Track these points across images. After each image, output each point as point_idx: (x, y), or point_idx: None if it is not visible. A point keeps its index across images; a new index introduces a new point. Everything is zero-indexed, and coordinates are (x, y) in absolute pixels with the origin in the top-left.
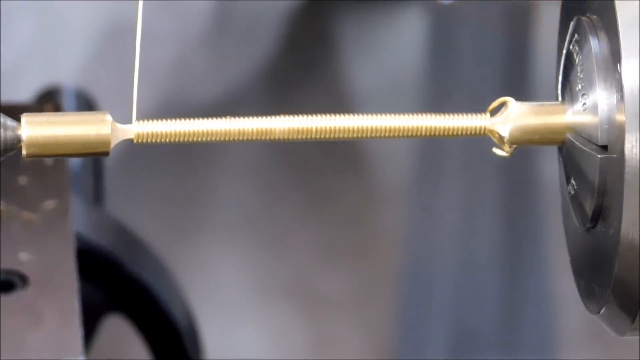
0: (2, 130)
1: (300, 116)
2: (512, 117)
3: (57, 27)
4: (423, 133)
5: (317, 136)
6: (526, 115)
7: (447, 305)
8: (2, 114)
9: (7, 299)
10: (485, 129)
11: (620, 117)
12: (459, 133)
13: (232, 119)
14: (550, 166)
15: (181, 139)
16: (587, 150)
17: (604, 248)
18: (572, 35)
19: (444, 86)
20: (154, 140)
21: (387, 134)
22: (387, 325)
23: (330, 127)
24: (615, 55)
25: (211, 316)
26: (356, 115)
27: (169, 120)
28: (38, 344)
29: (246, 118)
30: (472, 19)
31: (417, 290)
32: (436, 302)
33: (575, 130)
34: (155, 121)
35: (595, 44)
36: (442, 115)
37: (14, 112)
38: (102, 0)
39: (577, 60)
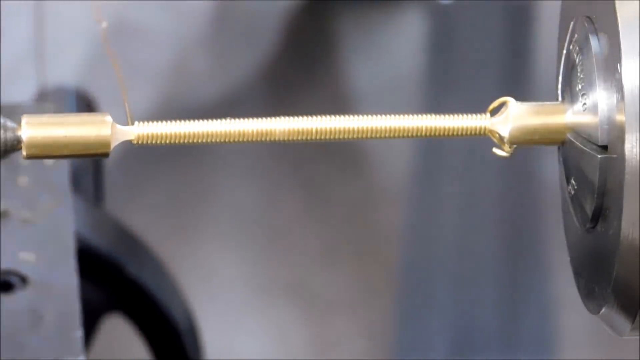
0: (2, 131)
1: (300, 117)
2: (512, 117)
3: (57, 27)
4: (423, 133)
5: (317, 137)
6: (526, 115)
7: (447, 305)
8: (2, 115)
9: (7, 299)
10: (485, 129)
11: (620, 117)
12: (459, 133)
13: (232, 120)
14: (550, 166)
15: (181, 141)
16: (587, 150)
17: (604, 248)
18: (572, 35)
19: (444, 86)
20: (154, 142)
21: (387, 135)
22: (387, 326)
23: (330, 128)
24: (615, 55)
25: (211, 316)
26: (356, 116)
27: (169, 122)
28: (38, 344)
29: (246, 119)
30: (472, 19)
31: (417, 291)
32: (436, 302)
33: (575, 130)
34: (155, 122)
35: (595, 44)
36: (442, 116)
37: (14, 112)
38: (102, 0)
39: (577, 60)
